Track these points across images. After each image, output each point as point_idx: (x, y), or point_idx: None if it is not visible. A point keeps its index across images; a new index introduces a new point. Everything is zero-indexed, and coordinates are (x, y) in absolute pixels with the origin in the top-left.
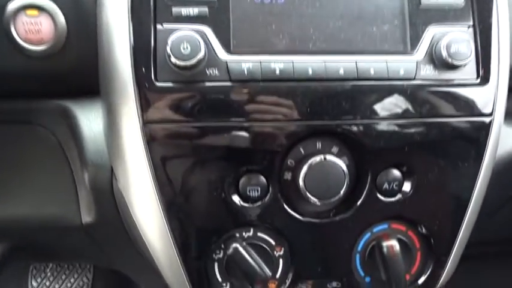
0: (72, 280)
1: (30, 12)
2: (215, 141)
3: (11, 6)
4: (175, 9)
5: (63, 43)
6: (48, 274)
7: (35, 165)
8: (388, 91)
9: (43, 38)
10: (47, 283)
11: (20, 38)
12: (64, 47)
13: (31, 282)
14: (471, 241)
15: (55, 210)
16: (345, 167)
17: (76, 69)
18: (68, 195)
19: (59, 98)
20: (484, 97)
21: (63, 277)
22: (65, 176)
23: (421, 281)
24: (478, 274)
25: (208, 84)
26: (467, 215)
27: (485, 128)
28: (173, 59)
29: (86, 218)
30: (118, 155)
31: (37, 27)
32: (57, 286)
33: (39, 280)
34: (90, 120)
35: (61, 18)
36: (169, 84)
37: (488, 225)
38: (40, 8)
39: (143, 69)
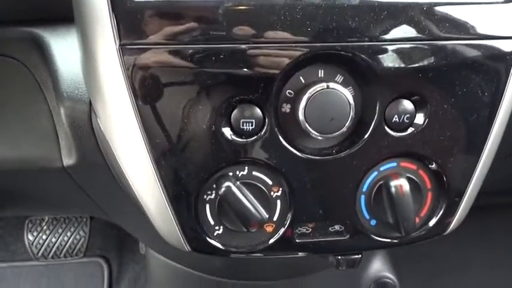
0: (68, 234)
1: None
2: (203, 67)
3: None
4: None
5: None
6: (44, 228)
7: (9, 101)
8: (401, 8)
9: None
10: (44, 236)
11: None
12: None
13: (27, 236)
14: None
15: (34, 151)
16: (350, 97)
17: None
18: (46, 134)
19: (29, 25)
20: (509, 17)
21: (60, 231)
22: (43, 113)
23: (431, 223)
24: (482, 224)
25: None
26: (484, 154)
27: (508, 56)
28: None
29: (67, 159)
30: (95, 87)
31: None
32: (53, 240)
33: (35, 234)
34: (64, 49)
35: None
36: None
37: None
38: None
39: None
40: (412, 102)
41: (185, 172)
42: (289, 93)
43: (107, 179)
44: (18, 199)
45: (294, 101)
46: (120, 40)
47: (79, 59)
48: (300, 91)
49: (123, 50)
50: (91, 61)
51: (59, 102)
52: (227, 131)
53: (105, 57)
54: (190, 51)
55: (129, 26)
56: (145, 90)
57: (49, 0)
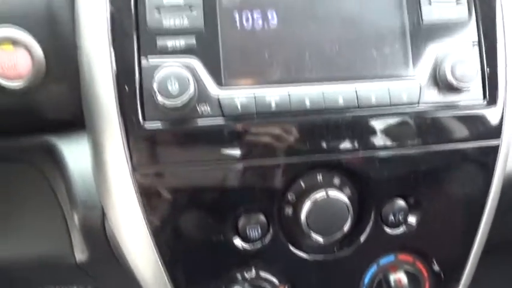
0: None
1: (5, 46)
2: (210, 182)
3: None
4: (160, 41)
5: (43, 77)
6: None
7: (26, 204)
8: (391, 118)
9: (20, 73)
10: None
11: None
12: (44, 81)
13: None
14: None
15: (48, 250)
16: (348, 202)
17: (58, 103)
18: (60, 234)
19: (43, 133)
20: (492, 119)
21: None
22: (56, 214)
23: None
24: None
25: (200, 122)
26: (477, 241)
27: (494, 151)
28: (160, 98)
29: (80, 256)
30: (108, 197)
31: (13, 62)
32: None
33: None
34: (77, 156)
35: (38, 51)
36: (158, 125)
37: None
38: (16, 42)
39: (129, 109)
40: (406, 202)
41: (196, 278)
42: (290, 197)
43: (116, 273)
44: None
45: (296, 205)
46: (132, 161)
47: (90, 165)
48: (301, 196)
49: (135, 170)
50: (103, 175)
51: (72, 208)
52: (235, 239)
53: (118, 176)
54: (198, 169)
55: (141, 149)
56: (156, 205)
57: (60, 111)
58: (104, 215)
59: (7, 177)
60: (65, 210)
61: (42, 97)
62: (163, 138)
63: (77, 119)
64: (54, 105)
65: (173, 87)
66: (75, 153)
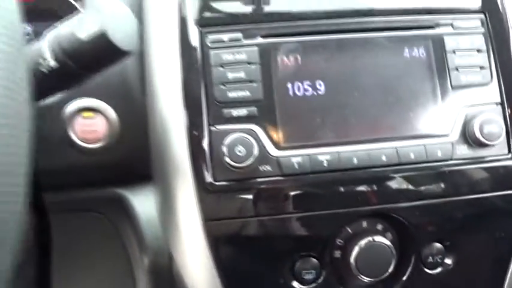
0: None
1: (86, 114)
2: (272, 232)
3: (68, 109)
4: (226, 111)
5: (117, 138)
6: None
7: (93, 251)
8: (428, 173)
9: (98, 137)
10: None
11: (77, 138)
12: (118, 141)
13: None
14: None
15: None
16: (391, 245)
17: (129, 160)
18: (125, 278)
19: (113, 186)
20: None
21: None
22: (122, 259)
23: None
24: None
25: (262, 180)
26: (507, 280)
27: None
28: (229, 161)
29: None
30: (178, 244)
31: (93, 128)
32: None
33: None
34: (144, 205)
35: (114, 116)
36: (227, 183)
37: None
38: (95, 110)
39: (201, 169)
40: (442, 244)
41: None
42: (339, 242)
43: None
44: None
45: (345, 249)
46: (203, 215)
47: (156, 214)
48: (349, 241)
49: (206, 223)
50: (174, 226)
51: (141, 253)
52: (293, 282)
53: (189, 227)
54: (261, 221)
55: (211, 204)
56: (224, 253)
57: (131, 166)
58: (171, 260)
59: (76, 224)
60: (131, 255)
61: (116, 156)
62: (231, 195)
63: (143, 172)
64: (125, 162)
65: (240, 152)
66: (141, 202)
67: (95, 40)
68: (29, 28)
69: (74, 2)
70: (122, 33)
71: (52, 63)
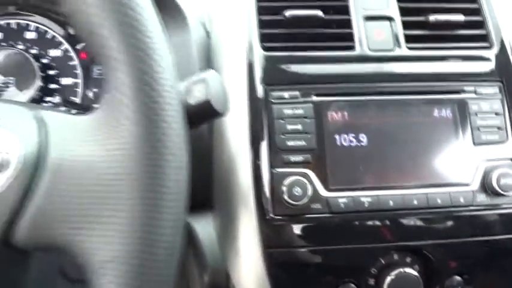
0: None
1: None
2: (320, 261)
3: None
4: (285, 157)
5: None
6: None
7: None
8: (452, 216)
9: None
10: None
11: None
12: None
13: None
14: None
15: None
16: (419, 277)
17: (194, 191)
18: None
19: None
20: None
21: None
22: (182, 278)
23: None
24: None
25: (313, 216)
26: None
27: None
28: (288, 199)
29: None
30: (238, 267)
31: None
32: None
33: None
34: (203, 228)
35: None
36: (284, 217)
37: None
38: None
39: (263, 205)
40: (462, 277)
41: None
42: (374, 271)
43: None
44: None
45: (378, 278)
46: (263, 244)
47: (214, 239)
48: (382, 271)
49: (265, 250)
50: (236, 251)
51: (202, 272)
52: None
53: (250, 254)
54: (311, 251)
55: (271, 235)
56: (280, 276)
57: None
58: (228, 279)
59: None
60: (191, 273)
61: None
62: (287, 227)
63: (203, 201)
64: (191, 192)
65: (297, 192)
66: (202, 226)
67: (201, 105)
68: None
69: None
70: (220, 99)
71: None
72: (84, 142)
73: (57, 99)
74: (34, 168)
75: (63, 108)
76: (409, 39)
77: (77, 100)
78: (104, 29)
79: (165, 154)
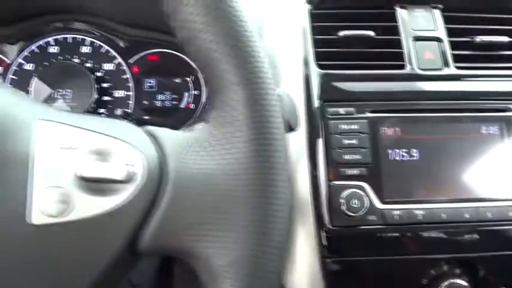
0: None
1: None
2: (373, 271)
3: None
4: (341, 170)
5: None
6: None
7: None
8: (499, 230)
9: None
10: None
11: None
12: None
13: None
14: None
15: None
16: (468, 286)
17: None
18: None
19: None
20: None
21: None
22: None
23: None
24: None
25: (369, 227)
26: None
27: None
28: (346, 211)
29: None
30: (293, 275)
31: None
32: None
33: None
34: None
35: None
36: (341, 228)
37: None
38: None
39: (321, 216)
40: None
41: None
42: (424, 281)
43: None
44: None
45: (429, 287)
46: (321, 253)
47: None
48: (433, 281)
49: (323, 259)
50: (293, 259)
51: None
52: None
53: (308, 263)
54: (365, 260)
55: (328, 245)
56: (336, 283)
57: None
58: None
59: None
60: None
61: None
62: (344, 238)
63: None
64: None
65: (355, 204)
66: None
67: None
68: (152, 81)
69: (192, 64)
70: (293, 115)
71: None
72: (198, 155)
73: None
74: (158, 181)
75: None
76: (456, 59)
77: (130, 112)
78: (219, 53)
79: (277, 168)
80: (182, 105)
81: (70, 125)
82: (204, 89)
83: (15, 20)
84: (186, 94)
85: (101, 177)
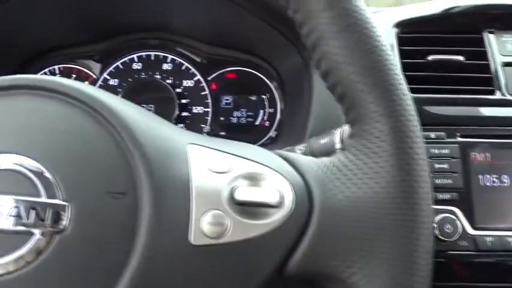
0: None
1: None
2: None
3: None
4: (433, 195)
5: None
6: None
7: None
8: None
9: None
10: None
11: None
12: None
13: None
14: None
15: None
16: None
17: None
18: None
19: None
20: None
21: None
22: None
23: None
24: None
25: (459, 253)
26: None
27: None
28: (439, 236)
29: None
30: None
31: None
32: None
33: None
34: None
35: None
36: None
37: None
38: None
39: None
40: None
41: None
42: None
43: None
44: None
45: None
46: None
47: None
48: None
49: None
50: None
51: None
52: None
53: None
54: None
55: None
56: None
57: None
58: None
59: None
60: None
61: None
62: (434, 263)
63: None
64: None
65: (448, 228)
66: None
67: None
68: (229, 98)
69: (268, 82)
70: None
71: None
72: (340, 183)
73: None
74: (305, 207)
75: None
76: None
77: (207, 129)
78: (361, 84)
79: (423, 198)
80: (257, 122)
81: (216, 150)
82: (279, 107)
83: (101, 39)
84: (261, 112)
85: (254, 201)
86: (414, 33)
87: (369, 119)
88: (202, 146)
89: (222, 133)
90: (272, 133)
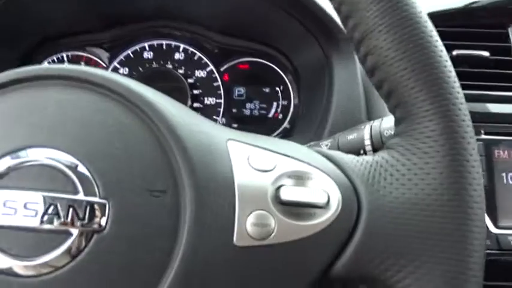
0: None
1: None
2: None
3: None
4: None
5: None
6: None
7: None
8: None
9: None
10: None
11: None
12: None
13: None
14: None
15: None
16: None
17: None
18: None
19: None
20: None
21: None
22: None
23: None
24: None
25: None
26: None
27: None
28: None
29: None
30: None
31: None
32: None
33: None
34: None
35: None
36: None
37: None
38: None
39: None
40: None
41: None
42: None
43: None
44: None
45: None
46: None
47: None
48: None
49: None
50: None
51: None
52: None
53: None
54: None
55: None
56: None
57: None
58: None
59: None
60: None
61: None
62: None
63: None
64: None
65: None
66: None
67: None
68: (242, 90)
69: (282, 74)
70: None
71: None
72: (386, 183)
73: None
74: (353, 208)
75: None
76: None
77: (219, 119)
78: (412, 81)
79: (476, 201)
80: (270, 115)
81: (258, 146)
82: (293, 99)
83: (111, 26)
84: (275, 104)
85: (300, 201)
86: (438, 27)
87: (420, 118)
88: (242, 142)
89: (235, 125)
90: (286, 125)
